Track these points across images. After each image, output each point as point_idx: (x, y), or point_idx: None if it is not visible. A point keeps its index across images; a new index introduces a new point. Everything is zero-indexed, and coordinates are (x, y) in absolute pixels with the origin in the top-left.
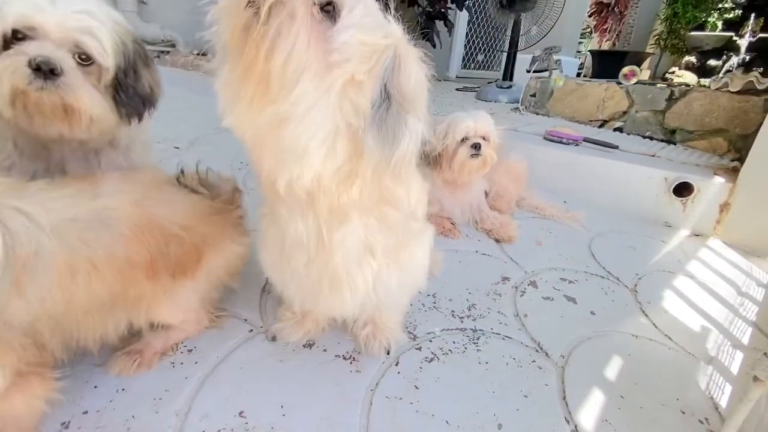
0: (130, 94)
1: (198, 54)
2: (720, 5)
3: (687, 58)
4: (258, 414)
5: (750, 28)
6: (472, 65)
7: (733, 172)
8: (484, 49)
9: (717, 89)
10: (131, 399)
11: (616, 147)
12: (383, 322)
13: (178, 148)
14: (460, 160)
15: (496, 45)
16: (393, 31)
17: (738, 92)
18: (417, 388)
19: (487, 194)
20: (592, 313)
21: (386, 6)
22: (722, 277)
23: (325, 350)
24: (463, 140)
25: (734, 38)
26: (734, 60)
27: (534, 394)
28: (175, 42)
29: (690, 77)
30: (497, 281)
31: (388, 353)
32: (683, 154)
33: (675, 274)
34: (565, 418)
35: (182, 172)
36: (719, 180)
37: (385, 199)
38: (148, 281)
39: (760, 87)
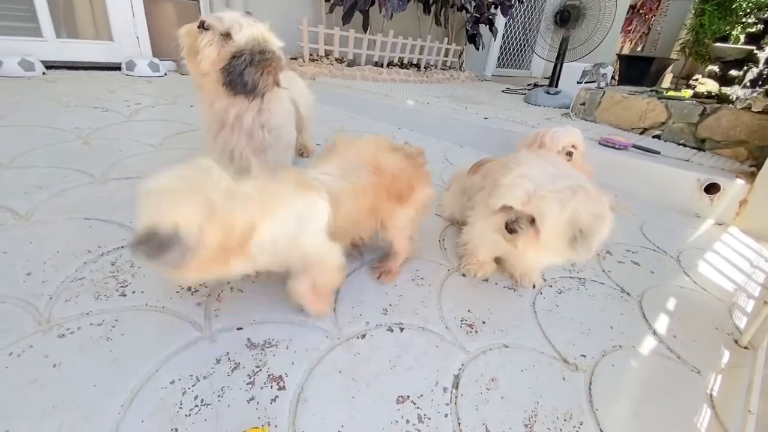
0: (235, 72)
1: (290, 58)
2: (744, 19)
3: (710, 67)
4: (476, 312)
5: None
6: (506, 64)
7: (750, 176)
8: (517, 50)
9: (742, 108)
10: (412, 295)
11: (659, 152)
12: (531, 270)
13: (319, 144)
14: None
15: (526, 45)
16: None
17: (759, 112)
18: (557, 306)
19: None
20: (652, 272)
21: (432, 11)
22: (739, 254)
23: (496, 283)
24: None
25: (755, 51)
26: (754, 71)
27: (627, 314)
28: None
29: (712, 85)
30: None
31: (534, 287)
32: (711, 159)
33: (705, 251)
34: (648, 328)
35: (405, 143)
36: (740, 182)
37: None
38: (386, 200)
39: None
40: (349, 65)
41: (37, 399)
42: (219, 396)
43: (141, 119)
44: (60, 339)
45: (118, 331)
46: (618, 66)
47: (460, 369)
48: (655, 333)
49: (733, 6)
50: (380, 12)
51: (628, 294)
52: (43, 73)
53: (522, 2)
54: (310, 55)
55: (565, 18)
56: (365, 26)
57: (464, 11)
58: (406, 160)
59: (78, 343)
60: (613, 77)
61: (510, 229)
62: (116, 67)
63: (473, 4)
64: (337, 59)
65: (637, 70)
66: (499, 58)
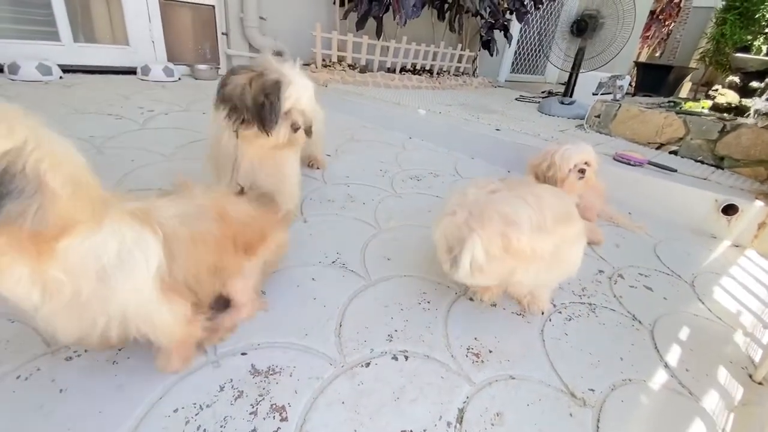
0: None
1: (303, 64)
2: (767, 30)
3: (731, 77)
4: (483, 339)
5: None
6: (520, 70)
7: None
8: (531, 56)
9: (763, 127)
10: (418, 319)
11: (675, 170)
12: (538, 295)
13: (329, 155)
14: (570, 181)
15: (541, 51)
16: None
17: None
18: (566, 334)
19: (577, 206)
20: (665, 298)
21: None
22: (756, 279)
23: (504, 309)
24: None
25: None
26: None
27: (637, 344)
28: (282, 51)
29: (732, 96)
30: (596, 273)
31: (543, 313)
32: (730, 179)
33: (721, 275)
34: (659, 360)
35: (242, 189)
36: (759, 203)
37: None
38: (233, 253)
39: None
40: (361, 71)
41: (44, 425)
42: (222, 426)
43: (154, 127)
44: (67, 362)
45: (124, 354)
46: (635, 73)
47: (464, 402)
48: (666, 366)
49: (756, 16)
50: (394, 19)
51: (639, 322)
52: (60, 77)
53: (538, 8)
54: (323, 60)
55: (581, 28)
56: (378, 33)
57: (479, 17)
58: (253, 208)
59: (84, 366)
60: (630, 84)
61: None
62: (132, 71)
63: (488, 10)
64: (349, 65)
65: (655, 78)
66: (513, 64)
